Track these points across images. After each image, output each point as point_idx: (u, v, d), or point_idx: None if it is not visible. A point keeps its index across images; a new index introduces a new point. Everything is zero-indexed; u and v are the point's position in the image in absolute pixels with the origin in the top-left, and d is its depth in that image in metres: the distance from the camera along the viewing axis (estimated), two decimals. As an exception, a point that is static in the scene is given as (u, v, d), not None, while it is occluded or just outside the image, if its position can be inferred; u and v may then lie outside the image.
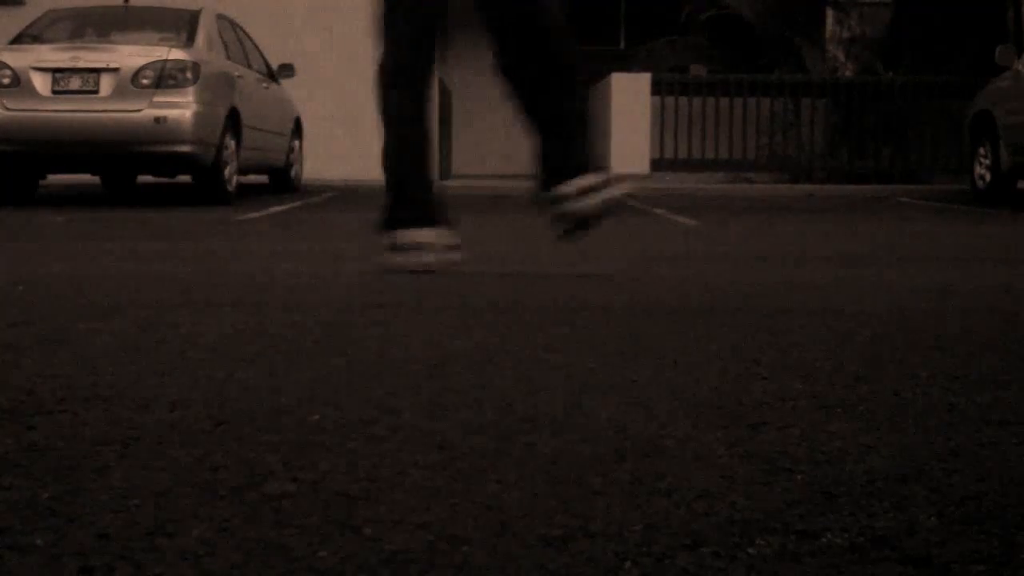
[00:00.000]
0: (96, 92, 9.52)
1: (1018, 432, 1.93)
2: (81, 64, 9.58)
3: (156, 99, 9.53)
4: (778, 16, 16.50)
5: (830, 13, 17.20)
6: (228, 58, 10.89)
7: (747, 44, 16.59)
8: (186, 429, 1.91)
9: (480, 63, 20.92)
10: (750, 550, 1.37)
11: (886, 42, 16.63)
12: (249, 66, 11.55)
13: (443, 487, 1.60)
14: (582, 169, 4.45)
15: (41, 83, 9.53)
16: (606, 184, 4.45)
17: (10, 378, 2.33)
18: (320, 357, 2.58)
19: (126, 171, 11.39)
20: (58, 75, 9.55)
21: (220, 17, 11.27)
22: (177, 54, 9.73)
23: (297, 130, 13.15)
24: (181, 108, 9.57)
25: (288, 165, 12.74)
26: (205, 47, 10.34)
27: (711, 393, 2.22)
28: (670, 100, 15.27)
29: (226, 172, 10.16)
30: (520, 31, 4.53)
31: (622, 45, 19.29)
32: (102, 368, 2.43)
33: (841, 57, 16.91)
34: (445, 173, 16.16)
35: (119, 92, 9.51)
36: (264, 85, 11.92)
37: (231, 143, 10.29)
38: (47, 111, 9.48)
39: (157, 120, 9.50)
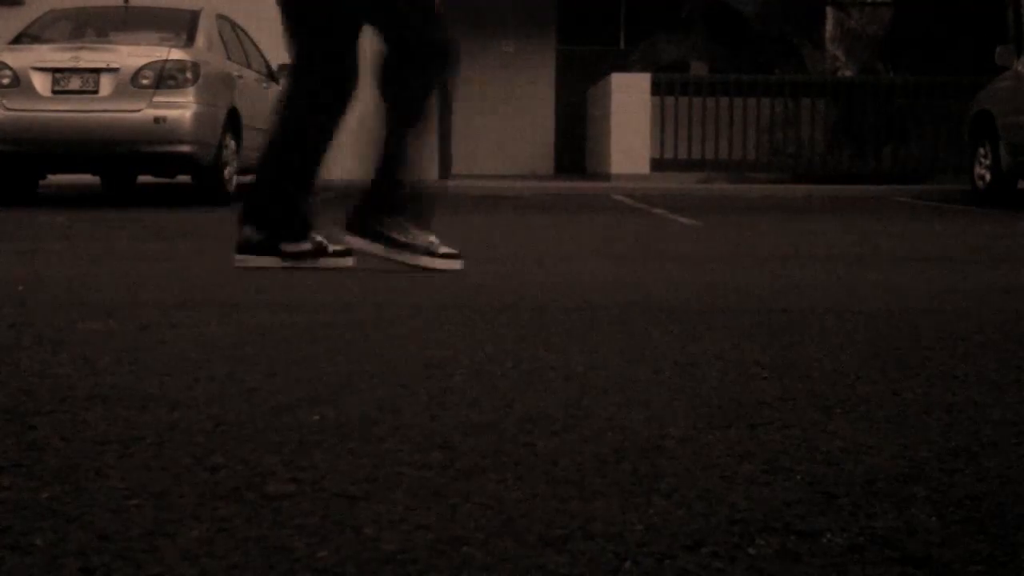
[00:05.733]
0: (96, 92, 9.52)
1: (1018, 432, 1.93)
2: (81, 64, 9.58)
3: (156, 99, 9.53)
4: (778, 14, 16.51)
5: (830, 12, 17.21)
6: (228, 58, 10.89)
7: (747, 42, 16.59)
8: (186, 429, 1.91)
9: (478, 64, 20.85)
10: (750, 550, 1.37)
11: (886, 42, 16.63)
12: (249, 66, 11.55)
13: (443, 487, 1.60)
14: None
15: (41, 83, 9.53)
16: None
17: (10, 378, 2.33)
18: (320, 357, 2.58)
19: (126, 171, 11.38)
20: (58, 75, 9.55)
21: (220, 17, 11.27)
22: (177, 54, 9.72)
23: (297, 130, 13.13)
24: (181, 108, 9.57)
25: (288, 165, 12.72)
26: (205, 47, 10.34)
27: (711, 393, 2.22)
28: (670, 100, 15.27)
29: (226, 172, 10.16)
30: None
31: (622, 45, 19.29)
32: (102, 368, 2.43)
33: (841, 57, 16.91)
34: (444, 173, 16.15)
35: (119, 92, 9.51)
36: (264, 85, 11.91)
37: (231, 143, 10.29)
38: (47, 111, 9.48)
39: (157, 120, 9.50)
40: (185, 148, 9.62)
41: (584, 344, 2.77)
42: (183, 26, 10.46)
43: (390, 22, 4.48)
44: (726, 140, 15.25)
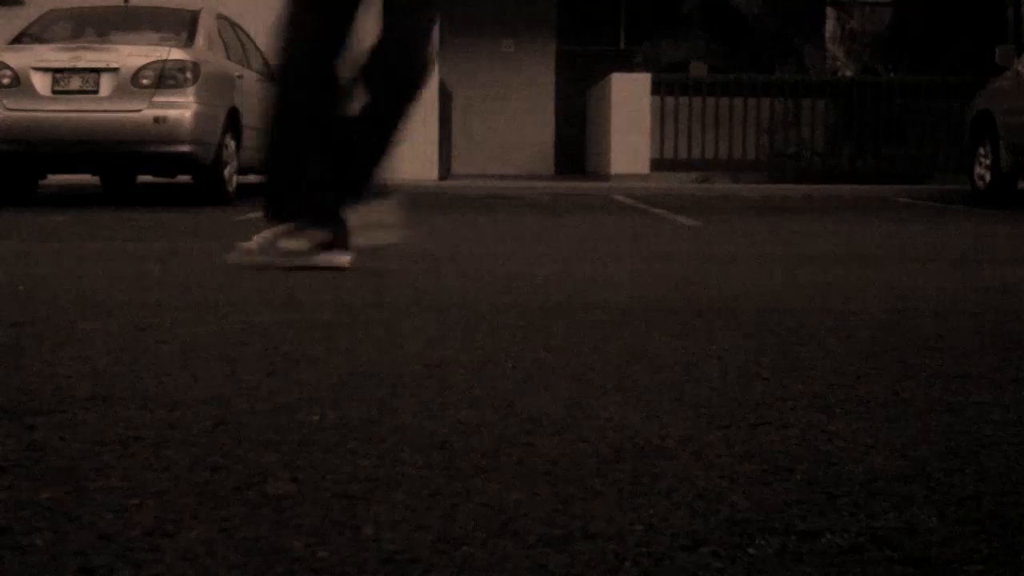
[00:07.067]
0: (96, 92, 9.52)
1: (1018, 432, 1.93)
2: (81, 64, 9.58)
3: (156, 99, 9.53)
4: (778, 13, 16.52)
5: (830, 12, 17.22)
6: (228, 58, 10.89)
7: (747, 42, 16.61)
8: (186, 429, 1.91)
9: (478, 64, 20.85)
10: (750, 550, 1.37)
11: (886, 42, 16.64)
12: (249, 66, 11.55)
13: (443, 487, 1.60)
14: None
15: (41, 83, 9.53)
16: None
17: (10, 378, 2.33)
18: (320, 357, 2.58)
19: (126, 171, 11.39)
20: (58, 75, 9.55)
21: (220, 17, 11.27)
22: (177, 54, 9.73)
23: (297, 130, 13.13)
24: (181, 108, 9.57)
25: (288, 165, 12.72)
26: (205, 47, 10.34)
27: (711, 393, 2.22)
28: (670, 100, 15.28)
29: (226, 172, 10.16)
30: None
31: (622, 45, 19.29)
32: (102, 368, 2.43)
33: (841, 56, 16.93)
34: (444, 173, 16.17)
35: (119, 92, 9.51)
36: (264, 85, 11.90)
37: (231, 143, 10.29)
38: (47, 111, 9.48)
39: (157, 120, 9.50)
40: (185, 148, 9.62)
41: (584, 344, 2.77)
42: (183, 26, 10.47)
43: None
44: (726, 140, 15.26)
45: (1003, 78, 11.41)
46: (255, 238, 4.49)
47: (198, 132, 9.67)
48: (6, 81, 9.52)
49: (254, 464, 1.71)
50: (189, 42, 10.15)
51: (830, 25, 17.28)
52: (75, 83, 9.55)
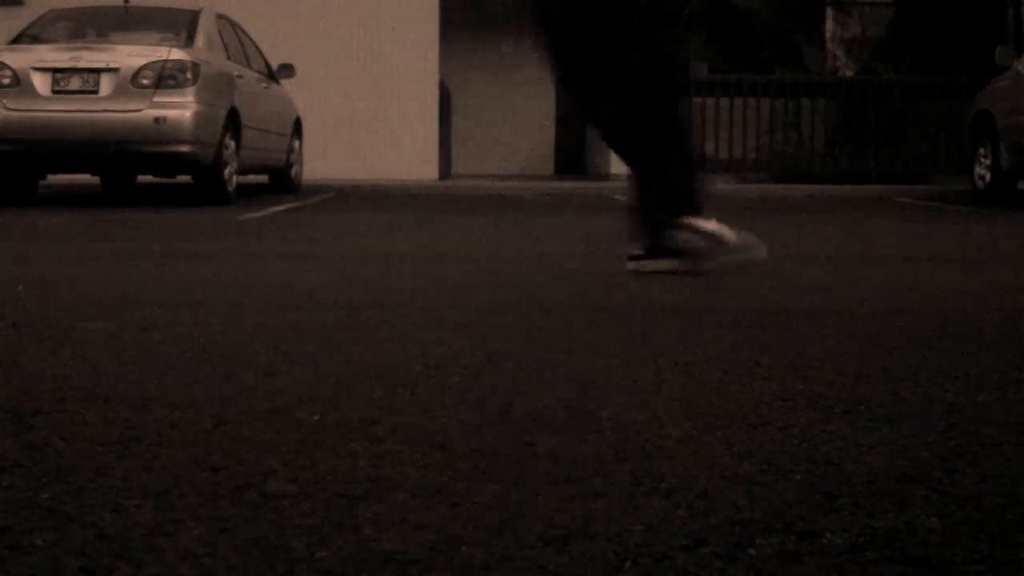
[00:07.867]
0: (96, 92, 9.53)
1: (1018, 432, 1.93)
2: (81, 64, 9.58)
3: (156, 99, 9.54)
4: (778, 14, 16.53)
5: (830, 12, 17.23)
6: (228, 58, 10.90)
7: (747, 41, 16.61)
8: (186, 429, 1.91)
9: (480, 63, 20.80)
10: (750, 550, 1.37)
11: (886, 42, 16.65)
12: (249, 66, 11.56)
13: (443, 487, 1.60)
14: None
15: (41, 83, 9.53)
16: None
17: (10, 378, 2.33)
18: (320, 357, 2.58)
19: (126, 171, 11.39)
20: (58, 75, 9.56)
21: (220, 17, 11.28)
22: (177, 54, 9.73)
23: (297, 130, 13.16)
24: (181, 108, 9.58)
25: (288, 165, 12.75)
26: (205, 47, 10.35)
27: (711, 393, 2.22)
28: (670, 100, 15.26)
29: (226, 172, 10.17)
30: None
31: (622, 45, 19.26)
32: (102, 368, 2.43)
33: (841, 57, 16.94)
34: (444, 173, 16.17)
35: (119, 92, 9.52)
36: (264, 85, 11.92)
37: (231, 143, 10.30)
38: (47, 111, 9.49)
39: (157, 120, 9.50)
40: (185, 148, 9.63)
41: (584, 344, 2.77)
42: (183, 26, 10.47)
43: None
44: (726, 140, 15.26)
45: (1003, 78, 11.41)
46: (684, 237, 4.31)
47: (198, 132, 9.68)
48: (6, 81, 9.52)
49: (254, 464, 1.71)
50: (189, 42, 10.16)
51: (830, 25, 17.29)
52: (75, 83, 9.56)
